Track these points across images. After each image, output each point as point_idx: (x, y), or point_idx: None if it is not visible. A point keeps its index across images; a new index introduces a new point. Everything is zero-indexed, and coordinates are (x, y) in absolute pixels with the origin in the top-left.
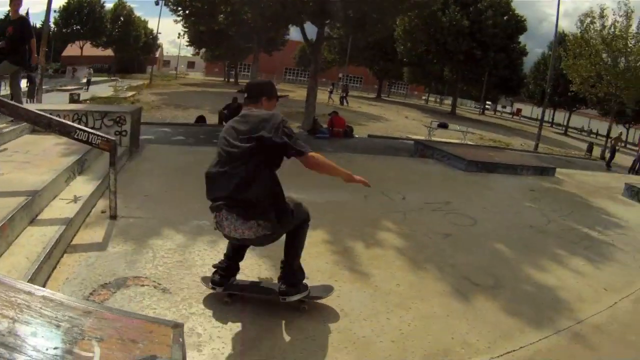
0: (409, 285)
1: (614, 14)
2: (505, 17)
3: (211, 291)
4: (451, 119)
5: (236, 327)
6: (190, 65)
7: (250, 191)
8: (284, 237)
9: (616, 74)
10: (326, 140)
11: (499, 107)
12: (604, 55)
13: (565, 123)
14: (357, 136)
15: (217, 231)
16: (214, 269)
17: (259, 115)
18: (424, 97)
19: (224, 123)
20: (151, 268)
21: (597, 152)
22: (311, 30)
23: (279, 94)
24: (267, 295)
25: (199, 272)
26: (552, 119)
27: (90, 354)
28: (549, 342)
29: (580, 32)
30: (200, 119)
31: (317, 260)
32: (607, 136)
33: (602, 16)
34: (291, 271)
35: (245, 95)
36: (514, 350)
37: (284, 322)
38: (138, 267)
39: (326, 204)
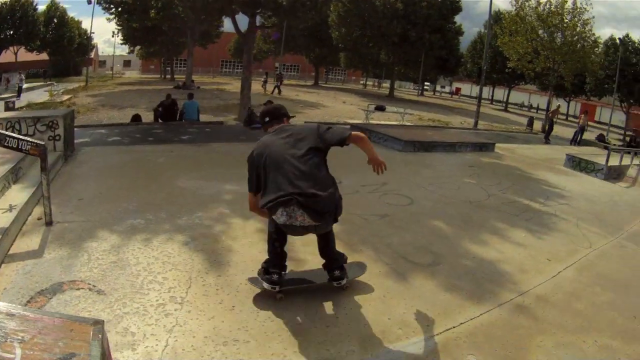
0: None
1: None
2: None
3: (255, 290)
4: (389, 101)
5: (171, 323)
6: (127, 64)
7: (321, 185)
8: None
9: (553, 49)
10: (262, 130)
11: (438, 88)
12: (540, 32)
13: (505, 99)
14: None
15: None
16: (264, 268)
17: (301, 126)
18: (361, 82)
19: (159, 120)
20: (86, 271)
21: (538, 126)
22: (244, 20)
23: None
24: (318, 283)
25: (132, 272)
26: (492, 96)
27: (12, 355)
28: (491, 316)
29: (516, 10)
30: (136, 118)
31: (250, 250)
32: (547, 110)
33: None
34: (336, 257)
35: (267, 118)
36: (453, 327)
37: (214, 315)
38: (73, 271)
39: None
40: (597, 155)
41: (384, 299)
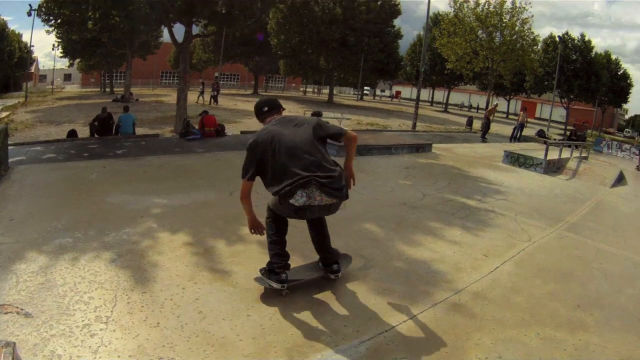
0: None
1: None
2: (379, 2)
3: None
4: (328, 107)
5: (96, 343)
6: (67, 77)
7: (331, 168)
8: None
9: (492, 48)
10: (198, 142)
11: (378, 92)
12: (479, 32)
13: (445, 100)
14: (230, 134)
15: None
16: (269, 269)
17: (303, 117)
18: (302, 89)
19: (95, 135)
20: (14, 294)
21: (477, 125)
22: (181, 30)
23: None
24: (316, 276)
25: (59, 292)
26: (432, 97)
27: None
28: (425, 317)
29: (454, 12)
30: (72, 134)
31: (176, 264)
32: (486, 109)
33: None
34: (333, 250)
35: (266, 108)
36: (385, 331)
37: (138, 333)
38: (2, 295)
39: (192, 205)
40: (536, 150)
41: (312, 307)
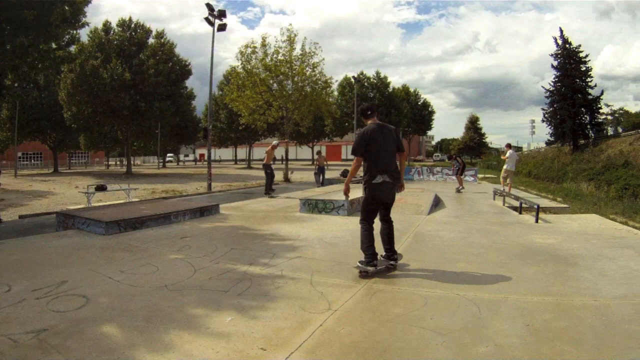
0: None
1: (277, 41)
2: (169, 64)
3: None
4: (127, 179)
5: None
6: None
7: (396, 166)
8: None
9: (284, 97)
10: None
11: (182, 157)
12: (271, 82)
13: (247, 157)
14: (9, 220)
15: None
16: (366, 260)
17: (390, 130)
18: (105, 162)
19: None
20: None
21: (280, 176)
22: None
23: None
24: (384, 266)
25: None
26: (235, 156)
27: None
28: None
29: (242, 64)
30: None
31: None
32: (287, 159)
33: (263, 45)
34: (394, 249)
35: (369, 112)
36: None
37: None
38: None
39: None
40: (339, 192)
41: None
